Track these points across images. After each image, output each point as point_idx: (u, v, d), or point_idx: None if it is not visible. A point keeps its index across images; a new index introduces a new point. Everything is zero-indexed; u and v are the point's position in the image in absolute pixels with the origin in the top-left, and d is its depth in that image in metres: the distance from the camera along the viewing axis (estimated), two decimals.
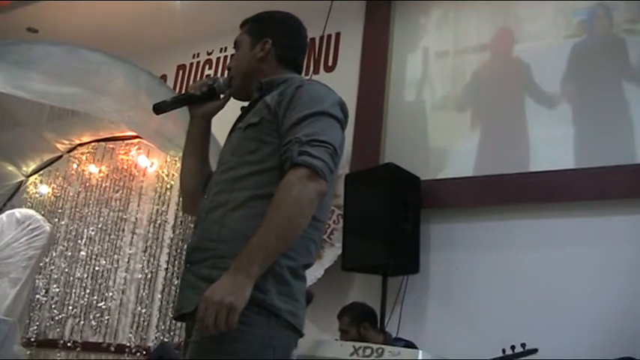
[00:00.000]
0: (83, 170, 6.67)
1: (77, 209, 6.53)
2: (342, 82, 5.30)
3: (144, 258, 5.95)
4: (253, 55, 2.16)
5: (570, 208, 4.31)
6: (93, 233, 6.33)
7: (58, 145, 6.69)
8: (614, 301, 3.91)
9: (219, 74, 6.41)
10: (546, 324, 3.86)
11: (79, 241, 6.37)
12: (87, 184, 6.59)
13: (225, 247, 1.82)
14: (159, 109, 2.18)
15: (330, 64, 5.71)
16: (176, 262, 5.73)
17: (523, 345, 3.45)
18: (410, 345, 3.93)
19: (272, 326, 1.76)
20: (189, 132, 2.23)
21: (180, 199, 5.89)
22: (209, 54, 6.60)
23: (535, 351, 3.47)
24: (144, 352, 5.56)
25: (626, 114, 4.41)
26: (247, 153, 1.95)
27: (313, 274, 4.50)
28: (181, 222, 5.87)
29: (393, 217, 4.38)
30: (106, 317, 5.93)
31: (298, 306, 1.84)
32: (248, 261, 1.69)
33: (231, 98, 2.23)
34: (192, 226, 5.74)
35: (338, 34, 5.77)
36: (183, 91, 6.39)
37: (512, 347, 3.47)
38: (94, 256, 6.23)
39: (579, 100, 4.63)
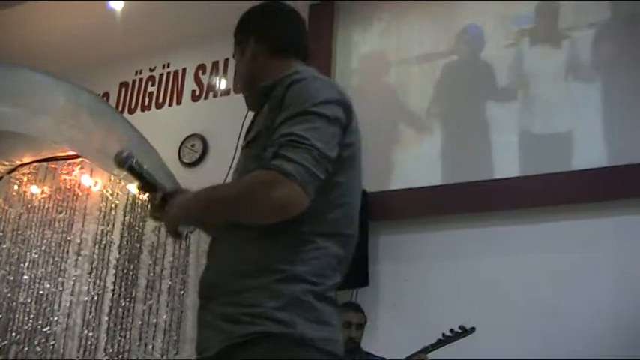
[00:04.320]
0: (25, 192, 6.49)
1: (19, 232, 6.34)
2: None
3: (90, 280, 5.81)
4: (245, 60, 2.02)
5: (517, 216, 4.38)
6: (36, 256, 6.16)
7: None
8: (564, 307, 3.97)
9: (161, 91, 6.35)
10: (499, 331, 3.89)
11: (22, 265, 6.18)
12: (29, 206, 6.41)
13: (241, 282, 1.67)
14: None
15: None
16: (123, 282, 5.63)
17: (461, 327, 3.52)
18: None
19: (309, 357, 1.61)
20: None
21: (126, 218, 5.86)
22: (152, 70, 6.52)
23: (472, 330, 3.53)
24: None
25: (571, 120, 4.52)
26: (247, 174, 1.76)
27: None
28: (127, 242, 5.76)
29: None
30: (52, 342, 5.76)
31: (331, 330, 1.68)
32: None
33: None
34: (138, 245, 5.70)
35: None
36: (125, 110, 6.36)
37: (451, 330, 3.54)
38: (37, 280, 6.06)
39: (528, 108, 4.71)
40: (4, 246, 6.36)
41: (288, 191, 1.58)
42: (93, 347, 5.57)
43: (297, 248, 1.68)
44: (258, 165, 1.66)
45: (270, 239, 1.68)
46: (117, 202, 5.96)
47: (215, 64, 6.08)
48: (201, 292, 1.81)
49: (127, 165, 1.79)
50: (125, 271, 5.65)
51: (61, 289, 5.95)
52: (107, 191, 6.06)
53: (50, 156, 6.34)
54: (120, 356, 5.39)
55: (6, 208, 6.55)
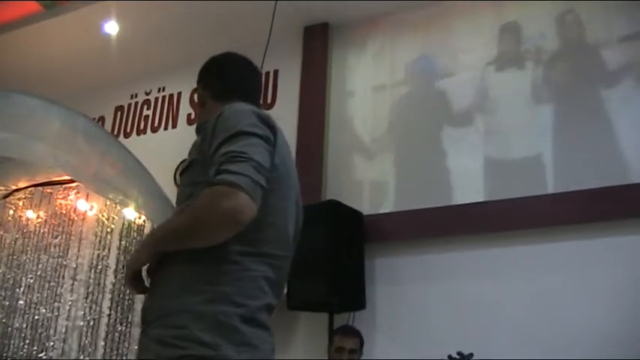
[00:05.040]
0: (20, 216, 6.48)
1: (14, 257, 6.32)
2: (282, 119, 5.17)
3: (85, 305, 5.79)
4: (199, 105, 2.20)
5: (511, 237, 4.37)
6: (32, 281, 6.13)
7: None
8: (560, 328, 3.96)
9: (157, 115, 6.36)
10: (495, 353, 3.87)
11: (17, 290, 6.16)
12: (24, 231, 6.40)
13: (169, 304, 1.71)
14: None
15: (268, 101, 5.71)
16: (119, 307, 5.60)
17: (459, 353, 3.51)
18: None
19: None
20: None
21: (121, 242, 5.84)
22: (147, 94, 6.53)
23: (470, 356, 3.53)
24: None
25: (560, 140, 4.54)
26: (185, 199, 1.85)
27: None
28: (123, 266, 5.74)
29: (336, 254, 4.36)
30: None
31: (259, 353, 1.69)
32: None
33: None
34: None
35: (276, 72, 5.78)
36: (121, 134, 6.37)
37: (450, 356, 3.54)
38: (33, 305, 6.03)
39: (515, 128, 4.73)
40: (0, 271, 6.34)
41: (236, 200, 1.62)
42: None
43: (222, 269, 1.71)
44: (204, 185, 1.70)
45: (195, 261, 1.72)
46: (113, 226, 5.95)
47: None
48: (141, 317, 1.85)
49: None
50: (121, 295, 5.63)
51: (56, 314, 5.92)
52: (103, 215, 6.04)
53: (45, 180, 6.32)
54: None
55: (1, 232, 6.53)
